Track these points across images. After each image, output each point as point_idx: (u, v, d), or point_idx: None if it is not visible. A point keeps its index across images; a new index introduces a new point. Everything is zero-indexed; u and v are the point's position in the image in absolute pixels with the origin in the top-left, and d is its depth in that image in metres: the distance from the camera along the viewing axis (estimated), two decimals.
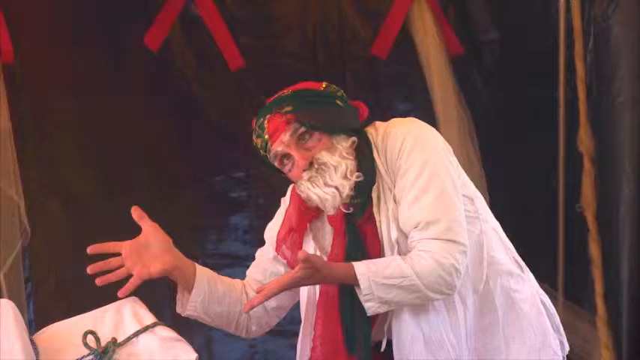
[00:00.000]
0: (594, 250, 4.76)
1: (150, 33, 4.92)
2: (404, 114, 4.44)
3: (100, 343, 2.70)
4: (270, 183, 4.78)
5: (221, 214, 5.16)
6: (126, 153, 4.97)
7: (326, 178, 2.83)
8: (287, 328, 4.28)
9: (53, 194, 4.89)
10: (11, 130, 4.64)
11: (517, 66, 5.09)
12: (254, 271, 3.09)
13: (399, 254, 2.80)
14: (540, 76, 5.03)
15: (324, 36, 5.13)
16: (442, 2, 5.09)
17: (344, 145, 2.86)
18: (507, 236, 3.02)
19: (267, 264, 3.07)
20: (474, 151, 4.98)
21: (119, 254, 2.85)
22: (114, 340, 2.72)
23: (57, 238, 4.86)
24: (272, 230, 3.06)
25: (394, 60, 5.11)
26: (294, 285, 2.79)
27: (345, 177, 2.83)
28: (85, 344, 2.69)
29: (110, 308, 2.80)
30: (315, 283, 2.85)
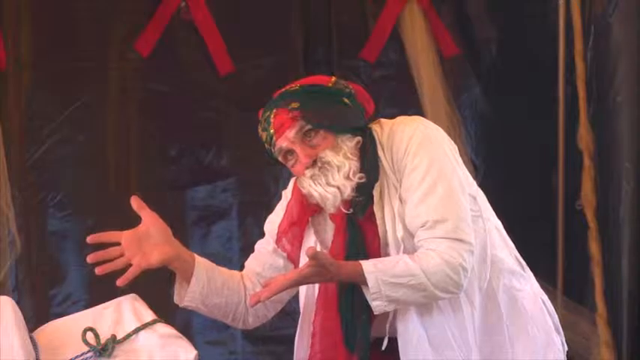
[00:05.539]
0: (594, 248, 4.76)
1: (141, 39, 4.89)
2: (394, 117, 4.44)
3: (99, 340, 2.70)
4: (255, 191, 4.79)
5: (205, 221, 5.12)
6: (114, 160, 4.95)
7: (328, 178, 2.82)
8: (268, 334, 4.28)
9: (44, 202, 4.87)
10: (1, 137, 4.60)
11: (517, 64, 5.08)
12: (253, 263, 3.07)
13: (405, 253, 2.80)
14: (540, 73, 5.03)
15: (315, 40, 5.11)
16: (438, 2, 5.08)
17: (349, 144, 2.85)
18: (507, 234, 3.02)
19: (266, 256, 3.05)
20: (465, 153, 4.96)
21: (119, 244, 2.84)
22: (113, 337, 2.71)
23: (48, 247, 4.85)
24: (272, 223, 3.04)
25: (384, 62, 5.10)
26: (301, 282, 2.79)
27: (348, 177, 2.82)
28: (85, 341, 2.69)
29: (110, 305, 2.80)
30: (322, 281, 2.83)
